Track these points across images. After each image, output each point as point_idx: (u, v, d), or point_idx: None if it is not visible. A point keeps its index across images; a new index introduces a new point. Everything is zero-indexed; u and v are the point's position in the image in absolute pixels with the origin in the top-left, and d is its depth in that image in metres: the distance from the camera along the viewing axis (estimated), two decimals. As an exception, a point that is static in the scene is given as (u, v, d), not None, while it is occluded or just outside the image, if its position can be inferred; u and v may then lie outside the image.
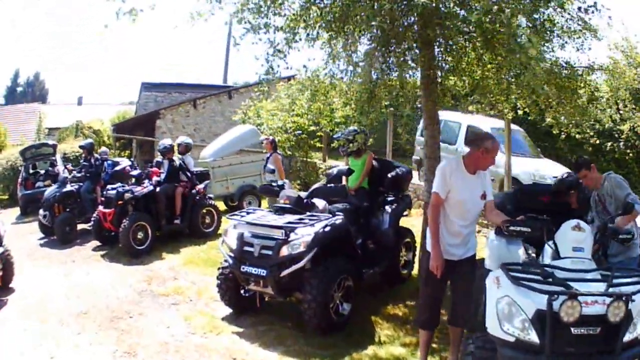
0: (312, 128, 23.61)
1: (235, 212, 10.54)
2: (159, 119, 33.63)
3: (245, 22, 9.57)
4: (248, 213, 10.27)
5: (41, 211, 18.17)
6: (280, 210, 10.17)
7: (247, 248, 9.44)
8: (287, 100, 13.49)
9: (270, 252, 9.12)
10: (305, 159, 25.76)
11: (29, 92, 79.89)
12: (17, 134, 43.10)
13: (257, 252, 9.27)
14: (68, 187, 18.38)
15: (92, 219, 16.24)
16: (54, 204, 17.80)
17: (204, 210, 16.97)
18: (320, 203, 10.62)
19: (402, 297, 10.99)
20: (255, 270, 9.10)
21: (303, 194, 10.88)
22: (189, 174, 16.89)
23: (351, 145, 11.78)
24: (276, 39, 9.91)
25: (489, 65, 10.73)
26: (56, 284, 12.85)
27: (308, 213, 9.94)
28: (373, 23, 8.68)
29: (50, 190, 18.47)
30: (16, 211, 25.32)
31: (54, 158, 25.55)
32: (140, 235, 14.91)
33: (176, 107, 34.39)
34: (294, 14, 9.78)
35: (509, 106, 12.34)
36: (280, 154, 17.08)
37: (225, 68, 51.28)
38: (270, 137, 17.57)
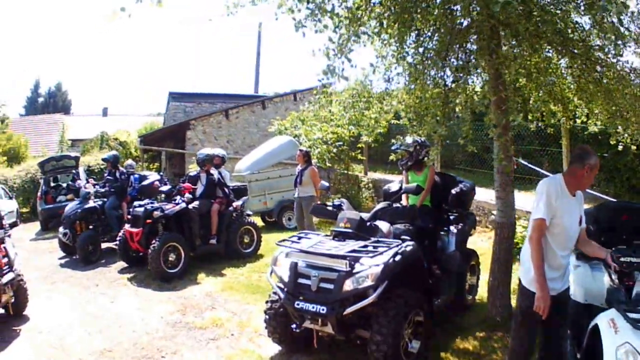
0: (348, 139, 23.34)
1: (287, 238, 9.29)
2: (189, 129, 33.05)
3: (309, 1, 8.63)
4: (300, 238, 9.10)
5: (61, 229, 17.30)
6: (341, 236, 8.93)
7: (302, 281, 8.27)
8: (336, 108, 12.58)
9: (331, 286, 7.92)
10: (346, 171, 25.10)
11: (51, 102, 79.26)
12: (39, 145, 43.11)
13: (315, 286, 8.06)
14: (91, 203, 17.57)
15: (118, 238, 15.31)
16: (75, 221, 17.00)
17: (243, 229, 16.00)
18: (384, 226, 9.43)
19: (469, 328, 9.86)
20: (312, 307, 7.88)
21: (365, 216, 9.60)
22: (226, 189, 16.01)
23: (413, 157, 10.84)
24: (341, 28, 9.15)
25: (565, 70, 10.32)
26: (76, 312, 11.78)
27: (373, 239, 8.77)
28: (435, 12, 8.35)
29: (71, 206, 17.71)
30: (37, 226, 24.84)
31: (76, 171, 25.16)
32: (172, 257, 13.95)
33: (207, 117, 33.79)
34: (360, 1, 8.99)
35: (568, 114, 11.72)
36: (315, 167, 16.33)
37: (256, 78, 50.27)
38: (304, 149, 16.91)
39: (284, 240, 9.08)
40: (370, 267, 7.82)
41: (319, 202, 14.13)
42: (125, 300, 12.49)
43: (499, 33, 9.02)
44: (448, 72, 9.71)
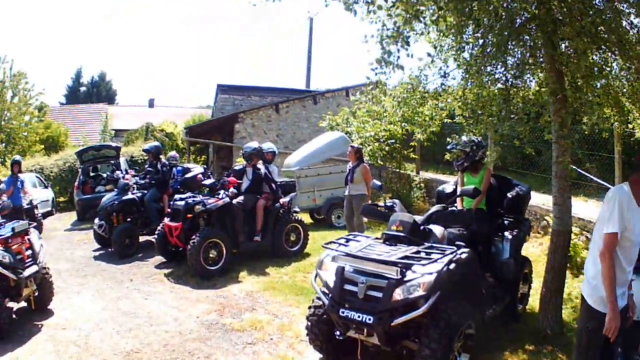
0: (401, 136, 23.06)
1: (334, 240, 8.78)
2: (237, 122, 33.05)
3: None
4: (349, 241, 8.74)
5: (97, 220, 17.17)
6: (392, 240, 8.48)
7: (348, 287, 7.80)
8: (390, 103, 12.33)
9: (379, 295, 7.46)
10: (398, 170, 24.90)
11: (94, 92, 79.69)
12: (80, 135, 43.51)
13: (362, 294, 7.58)
14: (129, 195, 17.30)
15: (157, 232, 15.06)
16: (111, 213, 16.83)
17: (289, 227, 15.57)
18: (438, 230, 8.98)
19: (520, 340, 9.24)
20: (359, 316, 7.43)
21: (419, 219, 9.13)
22: (273, 185, 15.56)
23: (470, 158, 10.36)
24: (397, 8, 8.81)
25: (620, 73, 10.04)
26: (106, 309, 11.41)
27: (426, 244, 8.34)
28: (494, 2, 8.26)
29: (108, 197, 17.52)
30: (73, 216, 25.04)
31: (117, 161, 25.20)
32: (212, 253, 13.58)
33: (257, 110, 33.78)
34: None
35: (622, 118, 11.36)
36: (367, 164, 16.00)
37: (307, 73, 49.91)
38: (355, 146, 16.48)
39: (331, 242, 8.68)
40: (422, 276, 7.39)
41: (370, 202, 14.10)
42: (160, 298, 12.11)
43: (558, 29, 8.69)
44: (508, 68, 9.58)
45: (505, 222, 10.41)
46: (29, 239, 10.85)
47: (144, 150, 20.65)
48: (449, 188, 11.19)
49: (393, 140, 23.11)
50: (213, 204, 14.26)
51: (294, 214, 16.13)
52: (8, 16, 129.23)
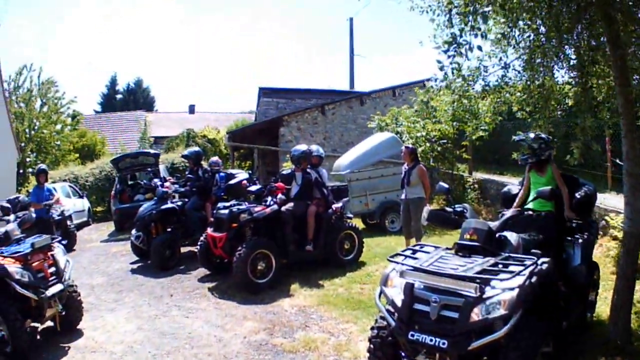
0: (452, 136, 23.16)
1: (400, 252, 8.01)
2: (282, 126, 32.87)
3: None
4: (416, 252, 7.86)
5: (134, 231, 16.81)
6: (465, 250, 7.63)
7: (419, 306, 6.97)
8: (448, 97, 11.78)
9: (455, 315, 6.67)
10: (450, 171, 24.44)
11: (131, 99, 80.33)
12: (118, 142, 44.19)
13: (434, 314, 6.76)
14: (168, 204, 16.63)
15: (199, 242, 14.38)
16: (149, 223, 16.31)
17: (343, 234, 14.81)
18: (513, 238, 8.05)
19: (589, 352, 8.59)
20: (431, 340, 6.63)
21: (493, 225, 8.22)
22: (324, 190, 14.85)
23: (537, 155, 9.70)
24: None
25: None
26: (141, 329, 10.76)
27: (503, 254, 7.47)
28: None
29: (146, 207, 16.94)
30: (111, 226, 24.81)
31: (155, 168, 24.85)
32: (260, 265, 12.85)
33: (302, 113, 33.60)
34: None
35: None
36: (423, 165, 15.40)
37: (350, 74, 49.60)
38: (410, 146, 16.00)
39: (397, 254, 7.83)
40: (503, 292, 6.59)
41: (428, 205, 13.76)
42: (203, 315, 11.37)
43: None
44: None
45: (573, 224, 9.67)
46: (52, 255, 10.22)
47: (182, 157, 19.96)
48: (514, 189, 10.62)
49: (445, 140, 22.91)
50: (260, 212, 13.59)
51: (348, 220, 15.38)
52: (40, 23, 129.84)
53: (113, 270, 15.67)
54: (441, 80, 10.60)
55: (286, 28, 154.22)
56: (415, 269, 7.07)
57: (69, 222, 20.40)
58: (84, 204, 27.50)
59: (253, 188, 15.31)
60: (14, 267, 9.14)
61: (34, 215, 13.44)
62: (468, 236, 7.67)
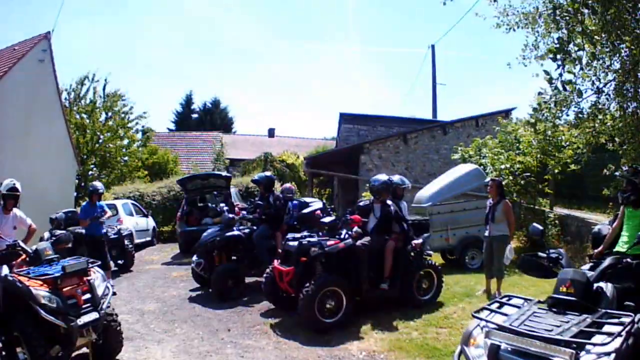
0: (535, 169, 22.38)
1: (485, 306, 6.88)
2: (363, 154, 32.63)
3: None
4: (502, 306, 6.84)
5: (195, 257, 16.02)
6: (560, 306, 6.51)
7: None
8: (540, 125, 10.99)
9: None
10: (532, 205, 23.80)
11: (207, 119, 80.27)
12: (191, 162, 45.16)
13: None
14: (234, 232, 15.77)
15: (265, 274, 13.53)
16: (212, 250, 15.65)
17: (421, 272, 13.70)
18: (609, 290, 7.12)
19: None
20: None
21: (590, 275, 7.29)
22: (404, 224, 13.67)
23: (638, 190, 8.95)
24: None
25: None
26: None
27: (599, 310, 6.38)
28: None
29: (210, 233, 16.09)
30: (176, 248, 24.50)
31: (227, 192, 24.41)
32: (329, 304, 11.77)
33: (384, 141, 33.41)
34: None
35: None
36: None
37: (433, 103, 49.25)
38: (497, 179, 15.41)
39: (482, 309, 6.79)
40: (599, 358, 5.60)
41: (510, 243, 13.17)
42: (261, 355, 10.43)
43: None
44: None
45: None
46: (88, 281, 9.45)
47: (252, 181, 19.34)
48: (604, 229, 9.74)
49: (528, 174, 22.08)
50: (333, 246, 12.47)
51: (427, 258, 14.26)
52: (116, 36, 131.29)
53: (169, 297, 14.99)
54: (552, 95, 9.83)
55: (366, 55, 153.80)
56: (503, 329, 6.06)
57: (126, 242, 20.01)
58: (148, 223, 27.27)
59: (327, 219, 14.27)
60: (40, 291, 8.54)
61: (71, 236, 12.73)
62: (564, 289, 6.61)
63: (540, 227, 9.10)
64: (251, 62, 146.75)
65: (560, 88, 9.44)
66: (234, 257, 15.78)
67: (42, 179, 29.22)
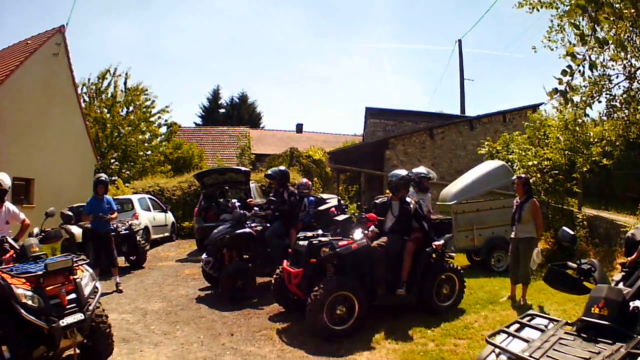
0: (564, 166, 21.28)
1: (503, 328, 5.90)
2: (388, 149, 32.40)
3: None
4: (523, 327, 5.90)
5: (204, 255, 15.67)
6: (590, 331, 5.54)
7: None
8: (567, 113, 10.34)
9: None
10: (560, 205, 22.37)
11: (235, 114, 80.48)
12: (216, 157, 44.95)
13: None
14: (245, 229, 15.04)
15: (275, 275, 13.10)
16: (221, 248, 15.11)
17: (442, 276, 12.74)
18: None
19: None
20: None
21: (626, 291, 6.11)
22: (425, 224, 12.85)
23: None
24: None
25: None
26: None
27: (635, 337, 5.33)
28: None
29: (220, 230, 15.38)
30: (195, 244, 24.14)
31: (245, 187, 23.81)
32: (340, 309, 10.95)
33: (409, 136, 33.07)
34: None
35: None
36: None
37: (461, 97, 48.88)
38: (523, 176, 14.43)
39: (499, 331, 5.84)
40: None
41: (538, 248, 12.73)
42: None
43: None
44: None
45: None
46: (74, 280, 8.98)
47: (266, 176, 18.37)
48: (639, 234, 8.43)
49: (557, 172, 21.01)
50: (345, 246, 11.64)
51: (449, 260, 13.27)
52: (143, 32, 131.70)
53: (176, 296, 14.44)
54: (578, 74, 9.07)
55: (395, 52, 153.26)
56: (521, 358, 5.06)
57: (139, 237, 19.50)
58: (167, 218, 26.85)
59: (340, 217, 13.84)
60: (21, 289, 8.19)
61: (60, 232, 12.05)
62: (597, 310, 5.57)
63: (571, 232, 8.15)
64: (281, 57, 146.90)
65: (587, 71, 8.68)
66: (245, 256, 15.02)
67: (58, 172, 29.44)
